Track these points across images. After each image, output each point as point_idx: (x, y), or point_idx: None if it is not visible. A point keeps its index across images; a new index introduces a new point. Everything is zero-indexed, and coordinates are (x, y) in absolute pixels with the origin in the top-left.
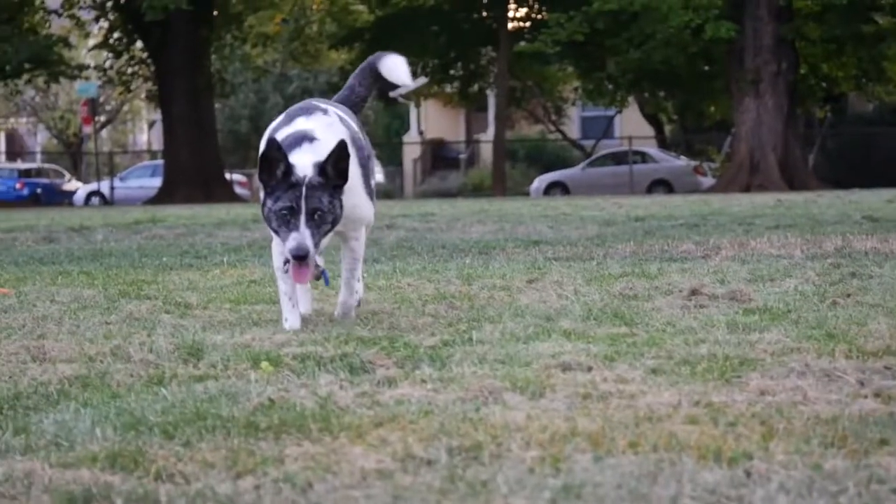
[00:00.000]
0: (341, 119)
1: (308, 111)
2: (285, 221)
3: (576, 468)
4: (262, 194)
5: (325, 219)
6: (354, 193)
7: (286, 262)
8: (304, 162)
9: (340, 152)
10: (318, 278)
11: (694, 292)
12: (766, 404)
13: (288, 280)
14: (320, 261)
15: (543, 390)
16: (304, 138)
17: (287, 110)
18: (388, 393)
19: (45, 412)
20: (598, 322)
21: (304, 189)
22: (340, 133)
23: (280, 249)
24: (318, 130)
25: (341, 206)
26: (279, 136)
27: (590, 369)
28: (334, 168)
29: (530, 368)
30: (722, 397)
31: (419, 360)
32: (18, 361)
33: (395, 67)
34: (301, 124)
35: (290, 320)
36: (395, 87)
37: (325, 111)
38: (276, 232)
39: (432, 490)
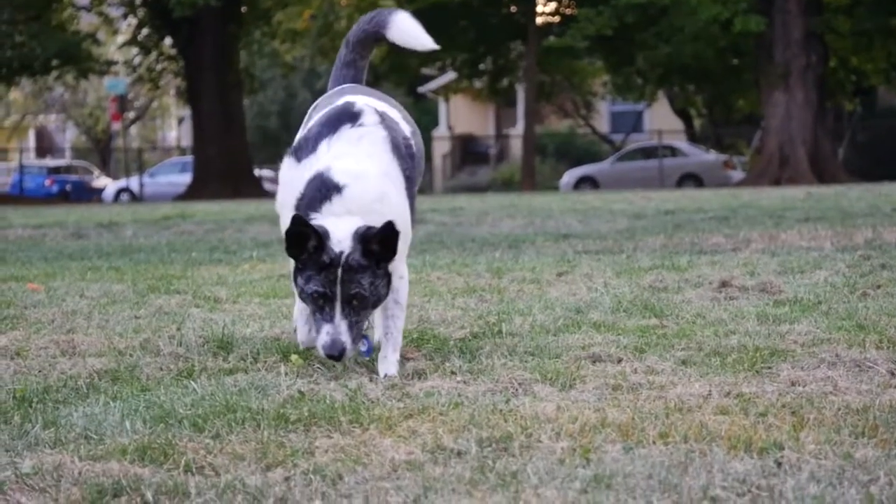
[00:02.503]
0: (386, 125)
1: (352, 118)
2: (318, 307)
3: (606, 459)
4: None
5: (366, 303)
6: (401, 220)
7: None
8: (340, 231)
9: (388, 232)
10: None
11: (724, 284)
12: (796, 395)
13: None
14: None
15: (573, 382)
16: (335, 187)
17: (326, 111)
18: (417, 385)
19: (75, 405)
20: (627, 314)
21: (339, 272)
22: (387, 168)
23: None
24: (362, 171)
25: (388, 283)
26: (307, 172)
27: (620, 361)
28: (381, 245)
29: (560, 360)
30: (752, 388)
31: (449, 353)
32: (48, 355)
33: (409, 31)
34: (342, 150)
35: (301, 336)
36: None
37: (372, 115)
38: (312, 313)
39: (462, 481)
